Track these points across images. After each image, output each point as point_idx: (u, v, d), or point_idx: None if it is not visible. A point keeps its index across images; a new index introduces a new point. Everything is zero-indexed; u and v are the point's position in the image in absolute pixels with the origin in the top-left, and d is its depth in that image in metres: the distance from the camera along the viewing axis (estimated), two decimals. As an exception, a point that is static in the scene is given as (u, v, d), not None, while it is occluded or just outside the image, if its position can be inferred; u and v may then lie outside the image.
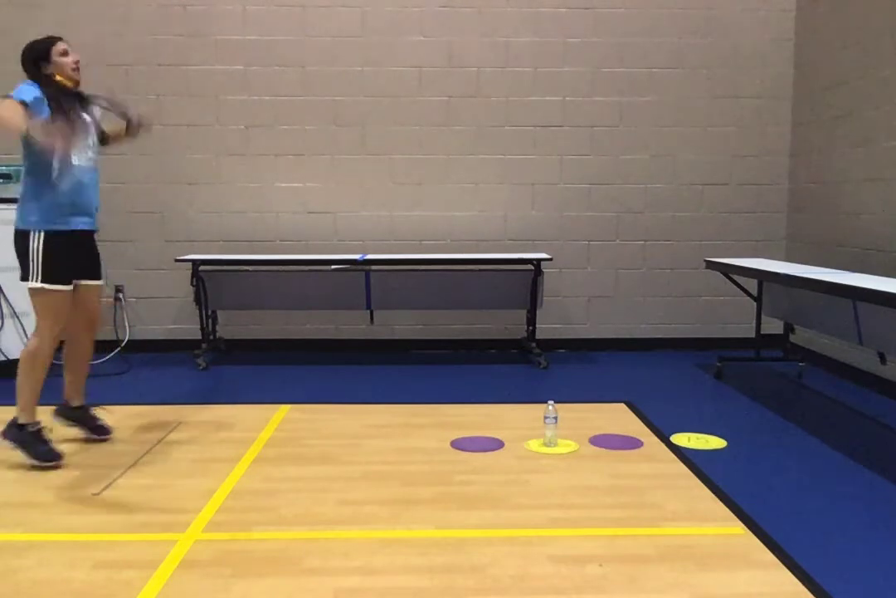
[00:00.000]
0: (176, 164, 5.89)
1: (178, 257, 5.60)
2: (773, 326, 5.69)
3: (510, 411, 4.34)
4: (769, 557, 2.58)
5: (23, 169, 3.44)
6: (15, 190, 5.07)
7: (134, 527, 2.82)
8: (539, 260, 5.54)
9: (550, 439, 3.70)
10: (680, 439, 3.85)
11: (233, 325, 6.08)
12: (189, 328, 5.92)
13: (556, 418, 3.71)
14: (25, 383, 3.41)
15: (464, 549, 2.63)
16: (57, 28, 5.61)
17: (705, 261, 5.46)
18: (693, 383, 5.12)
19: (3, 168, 5.11)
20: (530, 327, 5.80)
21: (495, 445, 3.75)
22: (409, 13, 5.86)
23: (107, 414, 3.90)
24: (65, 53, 3.49)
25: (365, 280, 5.64)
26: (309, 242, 6.03)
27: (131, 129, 3.73)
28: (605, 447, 3.71)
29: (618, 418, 4.24)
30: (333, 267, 5.53)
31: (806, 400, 4.68)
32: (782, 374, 5.30)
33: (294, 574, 2.46)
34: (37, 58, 3.45)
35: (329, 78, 5.91)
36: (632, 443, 3.79)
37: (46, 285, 3.38)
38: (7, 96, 3.23)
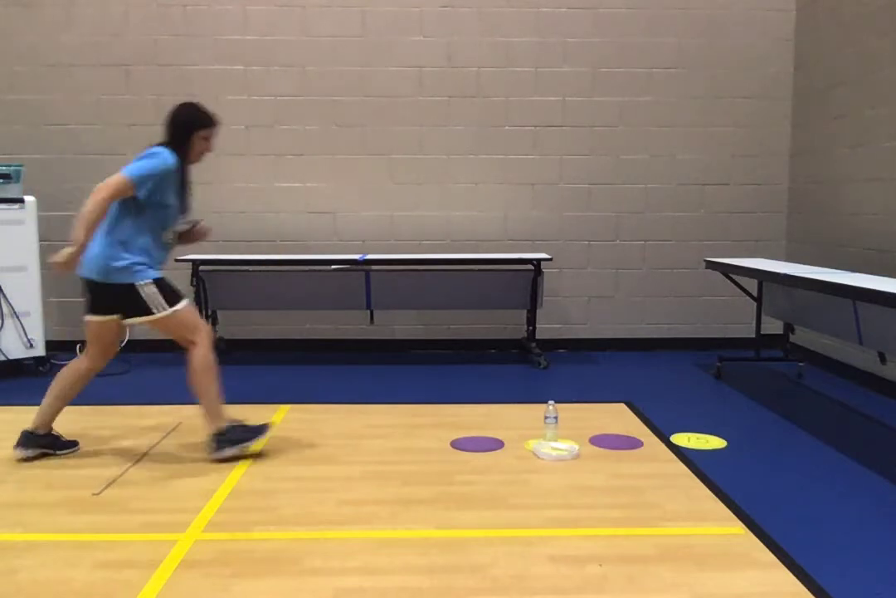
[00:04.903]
0: (176, 164, 5.88)
1: (177, 257, 5.59)
2: (773, 326, 5.69)
3: (510, 411, 4.34)
4: (769, 557, 2.58)
5: (122, 223, 3.32)
6: (15, 190, 5.15)
7: (134, 527, 2.82)
8: (539, 260, 5.54)
9: (550, 439, 3.70)
10: (680, 439, 3.85)
11: (233, 325, 6.08)
12: (189, 328, 5.91)
13: (556, 418, 3.71)
14: (211, 390, 3.45)
15: (464, 549, 2.63)
16: (57, 28, 5.69)
17: (705, 261, 5.46)
18: (693, 383, 5.12)
19: (3, 168, 5.11)
20: (530, 327, 5.80)
21: (495, 445, 3.75)
22: (409, 13, 5.86)
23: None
24: (208, 139, 3.43)
25: (365, 280, 5.64)
26: (309, 242, 6.03)
27: (189, 235, 3.67)
28: (605, 447, 3.71)
29: (618, 418, 4.24)
30: (333, 267, 5.53)
31: (806, 400, 4.68)
32: (782, 374, 5.30)
33: (294, 574, 2.46)
34: (196, 126, 3.38)
35: (329, 78, 5.91)
36: (632, 443, 3.78)
37: (176, 307, 3.37)
38: (125, 176, 3.25)
